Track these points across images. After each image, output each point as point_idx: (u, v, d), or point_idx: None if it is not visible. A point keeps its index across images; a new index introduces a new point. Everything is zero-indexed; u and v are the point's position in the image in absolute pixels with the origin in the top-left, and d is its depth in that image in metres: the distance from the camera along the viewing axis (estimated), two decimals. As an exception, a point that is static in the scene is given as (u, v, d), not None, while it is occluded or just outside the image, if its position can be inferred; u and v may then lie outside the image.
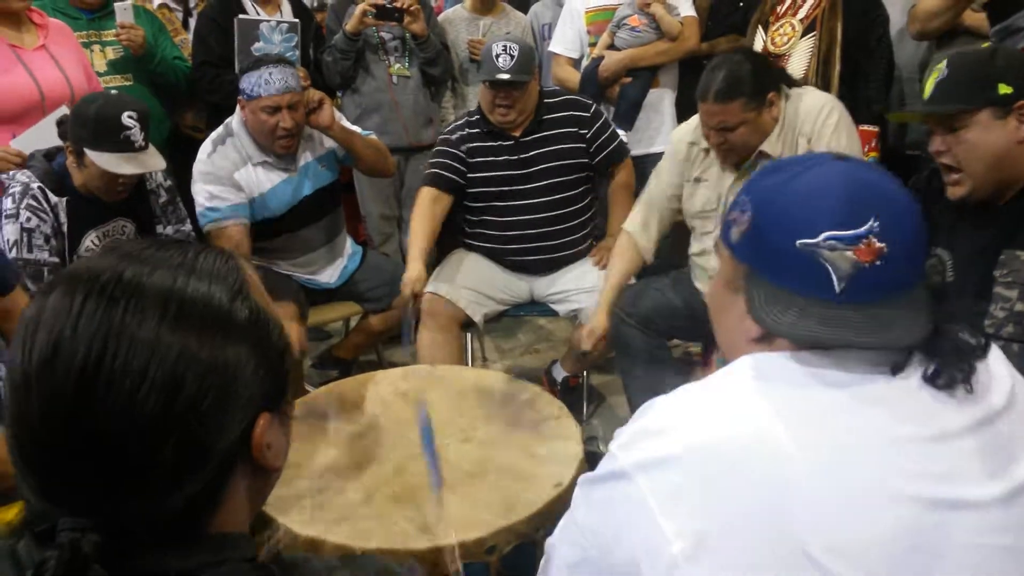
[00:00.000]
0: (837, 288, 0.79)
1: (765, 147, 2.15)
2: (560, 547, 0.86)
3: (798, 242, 0.79)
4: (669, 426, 0.79)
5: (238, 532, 0.63)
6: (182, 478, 0.57)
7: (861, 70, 2.69)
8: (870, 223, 0.78)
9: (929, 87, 1.58)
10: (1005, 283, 1.49)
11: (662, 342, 2.47)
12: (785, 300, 0.81)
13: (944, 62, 1.57)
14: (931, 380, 0.78)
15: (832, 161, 0.84)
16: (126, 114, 2.11)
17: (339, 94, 3.29)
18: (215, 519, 0.62)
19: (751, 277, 0.84)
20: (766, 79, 2.13)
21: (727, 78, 2.05)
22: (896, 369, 0.78)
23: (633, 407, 2.54)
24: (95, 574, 0.53)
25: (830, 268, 0.79)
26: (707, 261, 2.33)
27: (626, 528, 0.77)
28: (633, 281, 2.68)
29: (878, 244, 0.78)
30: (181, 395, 0.56)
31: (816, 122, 2.13)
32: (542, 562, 0.91)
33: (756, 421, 0.75)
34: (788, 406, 0.76)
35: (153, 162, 2.16)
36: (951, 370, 0.77)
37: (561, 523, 0.87)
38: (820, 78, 2.66)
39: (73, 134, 2.13)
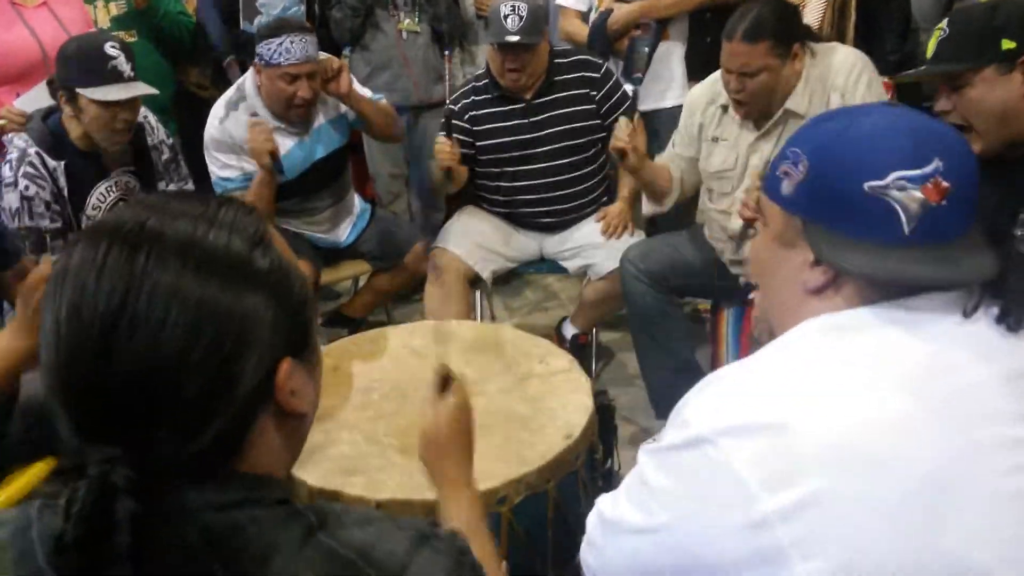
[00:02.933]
0: (907, 229, 0.78)
1: (791, 104, 2.11)
2: (624, 510, 0.84)
3: (867, 184, 0.79)
4: (749, 393, 0.78)
5: (271, 474, 0.65)
6: (207, 416, 0.59)
7: (877, 22, 2.64)
8: (935, 163, 0.78)
9: (932, 46, 1.56)
10: None
11: (673, 298, 2.46)
12: (851, 246, 0.80)
13: (945, 21, 1.56)
14: (1001, 319, 0.78)
15: (887, 107, 0.85)
16: (108, 44, 2.08)
17: (346, 51, 3.25)
18: (245, 461, 0.63)
19: (809, 228, 0.83)
20: (794, 29, 2.11)
21: (757, 18, 2.03)
22: (966, 312, 0.78)
23: (643, 364, 2.55)
24: (124, 505, 0.54)
25: (899, 209, 0.78)
26: (727, 220, 2.30)
27: (706, 491, 0.75)
28: (643, 236, 2.67)
29: (944, 184, 0.78)
30: (201, 339, 0.58)
31: (849, 78, 2.10)
32: (595, 525, 0.89)
33: (830, 383, 0.75)
34: (864, 358, 0.76)
35: (144, 87, 2.13)
36: (1020, 309, 0.78)
37: (625, 491, 0.85)
38: (835, 29, 2.62)
39: (61, 78, 2.11)
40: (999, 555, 0.71)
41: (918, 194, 0.78)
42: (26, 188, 2.08)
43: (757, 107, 2.13)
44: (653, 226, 3.01)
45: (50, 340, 0.58)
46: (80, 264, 0.58)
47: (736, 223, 2.21)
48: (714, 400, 0.80)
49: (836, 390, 0.75)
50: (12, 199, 2.08)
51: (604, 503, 0.89)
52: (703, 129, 2.31)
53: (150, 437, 0.58)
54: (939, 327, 0.78)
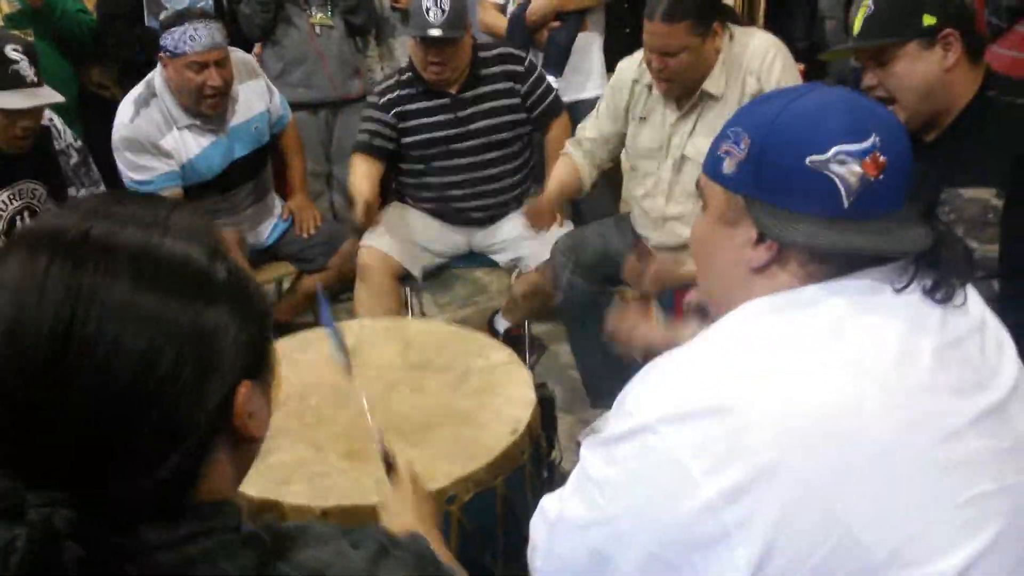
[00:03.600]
0: (846, 203, 0.80)
1: (708, 86, 2.15)
2: (570, 506, 0.84)
3: (808, 159, 0.80)
4: (687, 379, 0.78)
5: (222, 500, 0.60)
6: (162, 449, 0.54)
7: (786, 8, 2.72)
8: (873, 138, 0.81)
9: (858, 24, 1.61)
10: (949, 221, 1.55)
11: (604, 289, 2.48)
12: (793, 220, 0.81)
13: None
14: (931, 292, 0.80)
15: (825, 86, 0.87)
16: (9, 47, 1.97)
17: (257, 47, 3.15)
18: (198, 491, 0.58)
19: (752, 205, 0.84)
20: (712, 8, 2.15)
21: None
22: (902, 285, 0.80)
23: (576, 353, 2.57)
24: (70, 552, 0.49)
25: (839, 183, 0.80)
26: (652, 203, 2.33)
27: (651, 481, 0.76)
28: (571, 227, 2.68)
29: (882, 158, 0.80)
30: (159, 363, 0.52)
31: (764, 62, 2.15)
32: (540, 523, 0.88)
33: (773, 361, 0.76)
34: (813, 334, 0.78)
35: (49, 95, 2.03)
36: (949, 282, 0.81)
37: (570, 486, 0.85)
38: (746, 16, 2.69)
39: None
40: (910, 532, 0.73)
41: (857, 168, 0.80)
42: None
43: (680, 85, 2.16)
44: (579, 214, 3.04)
45: None
46: (16, 279, 0.51)
47: (659, 204, 2.26)
48: (655, 388, 0.80)
49: (779, 369, 0.76)
50: None
51: (548, 503, 0.88)
52: (630, 108, 2.34)
53: (101, 476, 0.52)
54: (878, 300, 0.80)
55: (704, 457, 0.73)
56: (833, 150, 0.80)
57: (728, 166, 0.86)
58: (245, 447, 0.62)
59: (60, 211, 0.57)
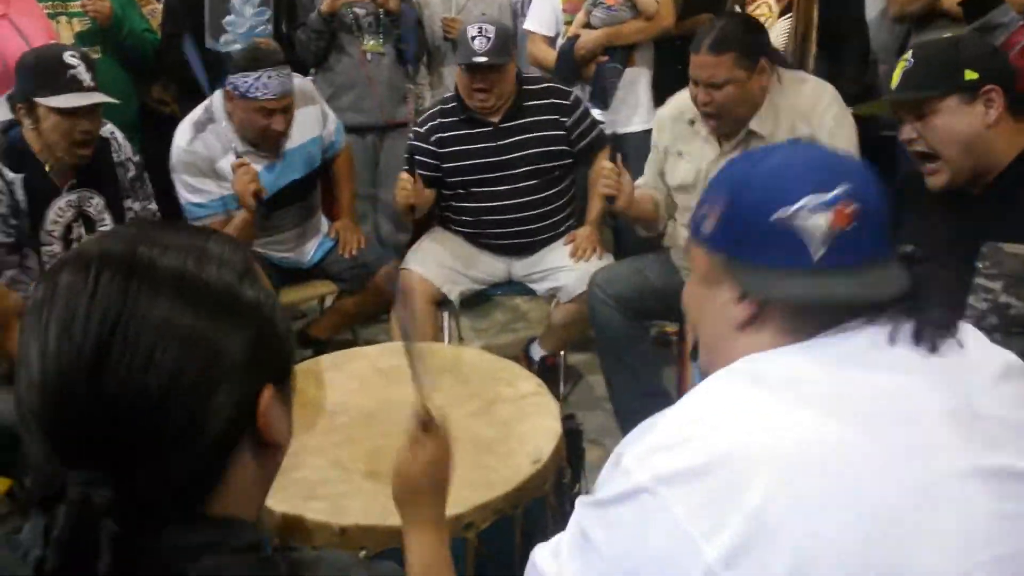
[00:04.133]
0: (815, 256, 0.80)
1: (754, 125, 2.15)
2: (569, 569, 0.82)
3: (775, 215, 0.81)
4: (687, 436, 0.77)
5: (243, 518, 0.64)
6: (188, 444, 0.59)
7: (837, 52, 2.70)
8: (840, 187, 0.81)
9: (896, 77, 1.61)
10: (988, 275, 1.51)
11: (640, 322, 2.47)
12: (769, 275, 0.82)
13: (909, 53, 1.61)
14: (917, 341, 0.79)
15: (792, 144, 0.91)
16: (67, 53, 2.06)
17: (313, 71, 3.24)
18: (221, 497, 0.62)
19: (730, 264, 0.85)
20: (760, 43, 2.16)
21: (723, 31, 2.08)
22: (888, 338, 0.79)
23: (610, 387, 2.55)
24: (107, 528, 0.53)
25: (805, 236, 0.80)
26: (683, 240, 2.34)
27: (652, 544, 0.74)
28: (611, 259, 2.68)
29: (851, 207, 0.80)
30: (187, 371, 0.58)
31: (817, 108, 2.15)
32: (528, 573, 0.88)
33: (783, 418, 0.75)
34: (799, 388, 0.77)
35: (104, 96, 2.10)
36: (932, 329, 0.79)
37: (568, 549, 0.83)
38: (796, 58, 2.67)
39: (20, 90, 2.07)
40: None
41: (825, 220, 0.80)
42: None
43: (726, 120, 2.16)
44: (620, 248, 3.04)
45: (35, 361, 0.57)
46: (68, 291, 0.58)
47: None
48: (650, 446, 0.78)
49: (769, 423, 0.75)
50: None
51: (543, 562, 0.86)
52: (668, 143, 2.35)
53: (132, 463, 0.57)
54: (864, 355, 0.79)
55: (703, 518, 0.72)
56: (798, 204, 0.80)
57: (708, 226, 0.87)
58: (267, 454, 0.66)
59: (112, 233, 0.65)
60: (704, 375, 0.89)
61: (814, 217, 0.80)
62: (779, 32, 2.72)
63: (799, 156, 0.86)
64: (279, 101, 2.44)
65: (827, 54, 2.69)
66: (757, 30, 2.21)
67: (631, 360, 2.46)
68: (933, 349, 0.79)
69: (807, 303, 0.81)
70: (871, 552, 0.70)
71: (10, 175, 2.07)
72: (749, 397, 0.78)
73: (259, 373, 0.63)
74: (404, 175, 2.55)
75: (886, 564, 0.70)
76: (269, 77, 2.41)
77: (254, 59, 2.45)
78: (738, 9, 2.80)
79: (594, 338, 2.60)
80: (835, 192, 0.80)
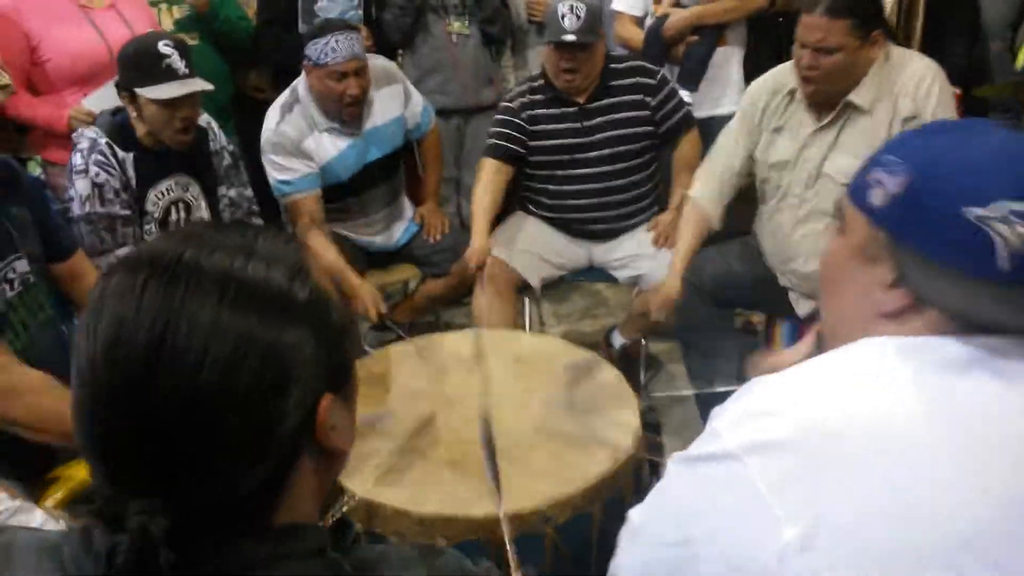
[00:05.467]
0: (1003, 265, 0.72)
1: (854, 97, 2.05)
2: (652, 523, 0.82)
3: (965, 210, 0.73)
4: (781, 406, 0.74)
5: (307, 522, 0.62)
6: (248, 459, 0.57)
7: (944, 26, 2.55)
8: None
9: (1023, 58, 1.48)
10: None
11: (724, 312, 2.42)
12: (937, 272, 0.75)
13: None
14: None
15: (1000, 129, 0.78)
16: (161, 43, 2.11)
17: (400, 54, 3.27)
18: (283, 505, 0.61)
19: (895, 246, 0.77)
20: (878, 15, 2.06)
21: None
22: None
23: (692, 376, 2.51)
24: (165, 558, 0.53)
25: (998, 242, 0.72)
26: (779, 219, 2.24)
27: (733, 511, 0.73)
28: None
29: None
30: (242, 375, 0.56)
31: (921, 85, 2.04)
32: (624, 532, 0.87)
33: (886, 401, 0.71)
34: (929, 387, 0.72)
35: (201, 84, 2.16)
36: None
37: (652, 499, 0.83)
38: (902, 33, 2.54)
39: (122, 81, 2.16)
40: None
41: (1021, 229, 0.71)
42: (96, 175, 2.13)
43: (827, 88, 2.06)
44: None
45: (85, 376, 0.56)
46: (117, 297, 0.56)
47: (787, 218, 2.17)
48: (746, 412, 0.76)
49: (865, 409, 0.71)
50: (83, 186, 2.12)
51: (633, 514, 0.87)
52: (763, 119, 2.26)
53: (190, 483, 0.56)
54: (1019, 369, 0.72)
55: (785, 494, 0.70)
56: (995, 205, 0.72)
57: (877, 197, 0.79)
58: (328, 461, 0.64)
59: (162, 237, 0.62)
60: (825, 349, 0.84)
61: (1012, 224, 0.72)
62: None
63: (1011, 149, 0.75)
64: (348, 63, 2.47)
65: (932, 28, 2.55)
66: (878, 2, 2.10)
67: (714, 350, 2.41)
68: None
69: (974, 320, 0.74)
70: (952, 557, 0.67)
71: (121, 153, 2.17)
72: (852, 376, 0.74)
73: (316, 376, 0.60)
74: (475, 251, 2.54)
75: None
76: (337, 41, 2.45)
77: (322, 27, 2.51)
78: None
79: (676, 327, 2.55)
80: None
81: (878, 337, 0.77)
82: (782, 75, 2.20)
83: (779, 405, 0.75)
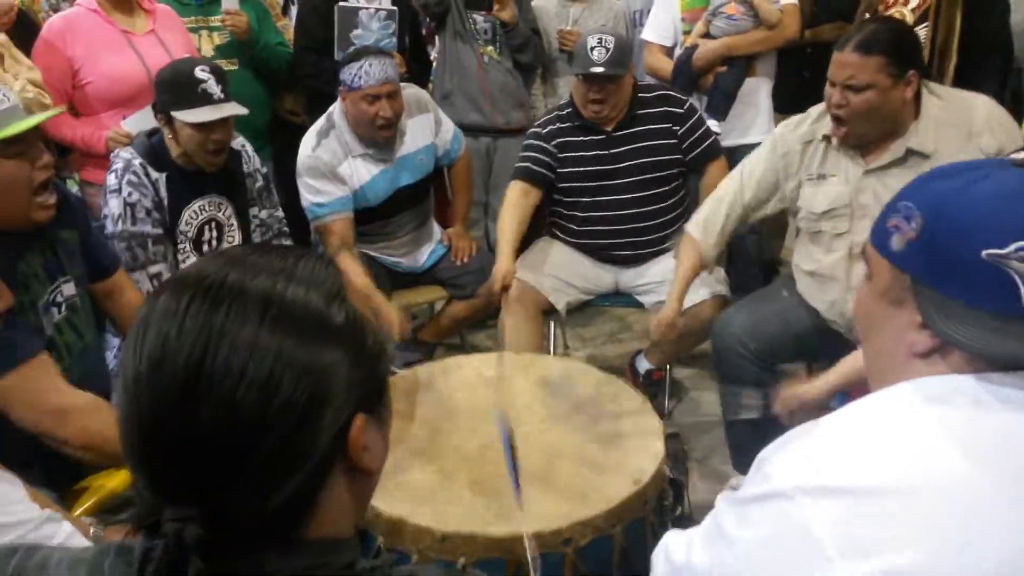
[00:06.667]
0: None
1: (914, 144, 1.97)
2: (698, 556, 0.83)
3: (984, 252, 0.74)
4: (832, 455, 0.76)
5: (339, 537, 0.64)
6: (280, 474, 0.59)
7: (978, 63, 2.54)
8: None
9: None
10: None
11: (771, 368, 2.33)
12: (963, 313, 0.76)
13: None
14: None
15: (1012, 167, 0.79)
16: (198, 68, 2.17)
17: (431, 77, 3.34)
18: (315, 522, 0.62)
19: (918, 289, 0.80)
20: (913, 55, 1.98)
21: (876, 32, 1.93)
22: None
23: (726, 415, 2.41)
24: (195, 567, 0.54)
25: (1019, 280, 0.74)
26: (835, 271, 2.15)
27: (785, 549, 0.73)
28: (723, 290, 2.57)
29: None
30: (278, 394, 0.58)
31: (992, 122, 1.98)
32: (658, 554, 0.88)
33: (928, 453, 0.72)
34: (964, 431, 0.73)
35: (235, 108, 2.21)
36: None
37: (700, 533, 0.84)
38: (935, 71, 2.53)
39: (159, 103, 2.22)
40: None
41: None
42: (129, 194, 2.18)
43: (858, 130, 2.00)
44: (731, 261, 2.97)
45: (130, 392, 0.58)
46: (162, 316, 0.59)
47: (850, 268, 2.09)
48: (796, 456, 0.78)
49: (928, 464, 0.72)
50: (115, 205, 2.18)
51: (675, 544, 0.88)
52: (801, 169, 2.17)
53: (225, 494, 0.58)
54: None
55: (840, 537, 0.70)
56: (1014, 246, 0.73)
57: (897, 243, 0.81)
58: (362, 480, 0.66)
59: (206, 259, 0.65)
60: (868, 391, 0.86)
61: None
62: (914, 43, 2.59)
63: (1018, 187, 0.76)
64: (382, 87, 2.54)
65: (965, 67, 2.54)
66: (912, 40, 2.02)
67: (742, 379, 2.37)
68: None
69: (1002, 360, 0.75)
70: None
71: (155, 173, 2.23)
72: (901, 426, 0.75)
73: (350, 397, 0.61)
74: (500, 272, 2.57)
75: None
76: (371, 65, 2.53)
77: (357, 53, 2.59)
78: (869, 16, 2.68)
79: (702, 351, 2.51)
80: None
81: (905, 383, 0.78)
82: (812, 122, 2.14)
83: (830, 451, 0.76)
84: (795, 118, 2.23)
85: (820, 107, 2.12)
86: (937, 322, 0.77)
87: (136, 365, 0.58)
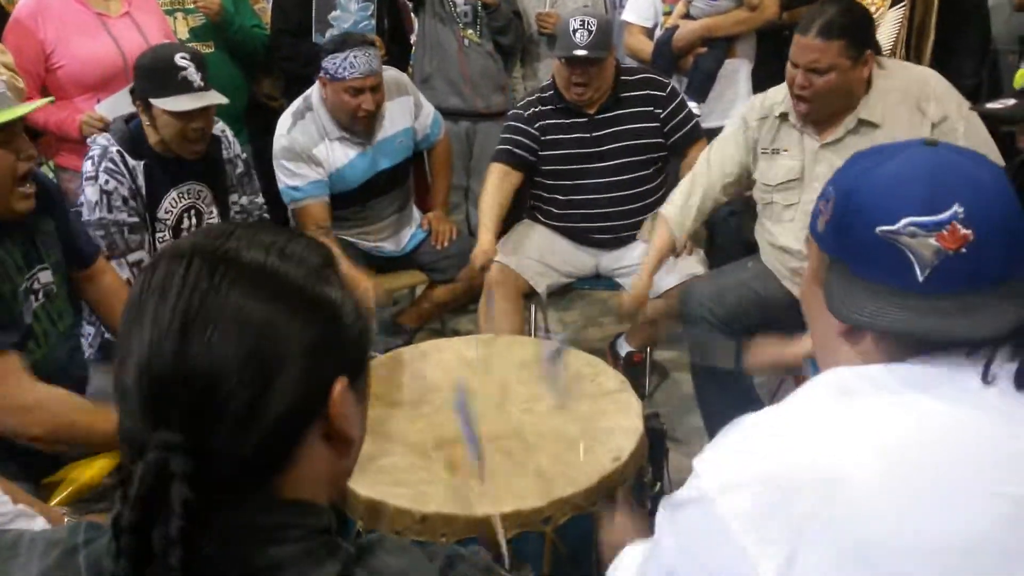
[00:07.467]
0: (920, 276, 0.77)
1: (865, 114, 2.07)
2: (647, 567, 0.85)
3: (878, 229, 0.78)
4: (749, 448, 0.77)
5: (315, 501, 0.67)
6: (253, 420, 0.62)
7: (955, 44, 2.56)
8: (953, 209, 0.76)
9: (1020, 78, 1.49)
10: None
11: (739, 338, 2.37)
12: (866, 290, 0.79)
13: None
14: (1019, 383, 0.74)
15: (920, 147, 0.82)
16: (178, 55, 2.14)
17: (411, 60, 3.31)
18: (291, 480, 0.65)
19: (832, 268, 0.83)
20: (870, 35, 2.08)
21: (833, 17, 2.00)
22: (984, 374, 0.75)
23: (700, 393, 2.45)
24: (179, 491, 0.57)
25: (912, 256, 0.77)
26: (787, 240, 2.23)
27: (711, 553, 0.75)
28: (702, 271, 2.59)
29: (963, 231, 0.75)
30: (256, 351, 0.62)
31: (938, 89, 2.06)
32: (613, 567, 0.91)
33: (837, 447, 0.74)
34: (872, 424, 0.74)
35: (215, 96, 2.19)
36: None
37: (648, 547, 0.86)
38: (913, 50, 2.55)
39: (137, 89, 2.19)
40: None
41: (932, 241, 0.76)
42: (106, 182, 2.15)
43: (819, 108, 2.09)
44: (712, 243, 2.98)
45: (133, 341, 0.63)
46: (167, 275, 0.64)
47: (798, 241, 2.16)
48: (722, 453, 0.79)
49: (837, 457, 0.73)
50: (92, 192, 2.15)
51: (629, 559, 0.91)
52: (757, 144, 2.27)
53: (206, 431, 0.61)
54: (956, 390, 0.75)
55: (756, 529, 0.72)
56: (903, 222, 0.77)
57: (820, 224, 0.85)
58: (339, 447, 0.69)
59: (207, 229, 0.71)
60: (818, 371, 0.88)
61: (920, 237, 0.76)
62: (890, 22, 2.60)
63: (918, 166, 0.80)
64: (366, 79, 2.52)
65: (942, 47, 2.55)
66: (867, 20, 2.13)
67: (725, 370, 2.39)
68: None
69: (900, 333, 0.78)
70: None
71: (132, 161, 2.20)
72: (813, 419, 0.77)
73: (326, 365, 0.66)
74: (481, 250, 2.58)
75: None
76: (355, 56, 2.49)
77: (341, 42, 2.55)
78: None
79: (690, 355, 2.52)
80: (947, 213, 0.76)
81: (828, 373, 0.81)
82: (770, 99, 2.23)
83: (747, 447, 0.77)
84: (756, 97, 2.32)
85: (779, 87, 2.20)
86: (836, 302, 0.81)
87: (140, 321, 0.63)
